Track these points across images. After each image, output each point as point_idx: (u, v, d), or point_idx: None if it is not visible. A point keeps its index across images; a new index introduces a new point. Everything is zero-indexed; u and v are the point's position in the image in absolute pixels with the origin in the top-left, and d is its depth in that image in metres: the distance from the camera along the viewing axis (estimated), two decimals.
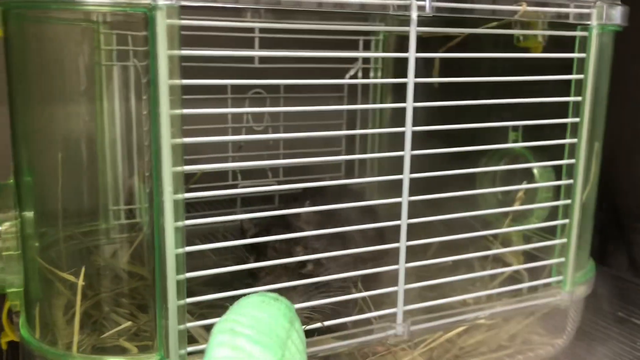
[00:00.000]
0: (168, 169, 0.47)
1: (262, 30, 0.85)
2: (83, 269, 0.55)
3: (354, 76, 0.94)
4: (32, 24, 0.63)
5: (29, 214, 0.59)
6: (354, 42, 0.94)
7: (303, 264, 0.62)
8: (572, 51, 0.63)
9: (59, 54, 0.66)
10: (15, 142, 0.58)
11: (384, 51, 0.96)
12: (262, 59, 0.86)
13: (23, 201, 0.58)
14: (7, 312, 0.65)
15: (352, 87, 0.95)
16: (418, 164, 0.57)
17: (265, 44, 0.87)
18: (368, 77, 0.95)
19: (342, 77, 0.93)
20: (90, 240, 0.70)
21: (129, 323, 0.60)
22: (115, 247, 0.73)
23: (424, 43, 0.78)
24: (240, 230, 0.67)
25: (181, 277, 0.49)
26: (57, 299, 0.61)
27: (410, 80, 0.54)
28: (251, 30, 0.85)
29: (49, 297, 0.61)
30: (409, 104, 0.54)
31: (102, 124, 0.72)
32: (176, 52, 0.46)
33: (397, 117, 0.56)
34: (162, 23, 0.45)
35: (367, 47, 0.95)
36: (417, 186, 0.58)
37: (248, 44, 0.87)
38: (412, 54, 0.54)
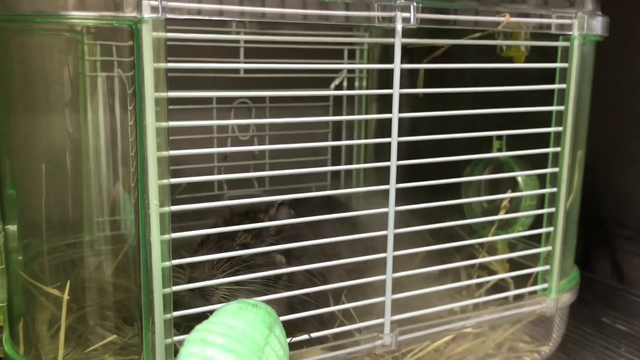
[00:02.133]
0: (154, 182, 0.46)
1: (247, 40, 0.85)
2: (68, 283, 0.54)
3: (339, 85, 0.94)
4: (14, 34, 0.62)
5: (12, 228, 0.58)
6: (338, 52, 0.94)
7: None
8: (555, 61, 0.64)
9: (43, 64, 0.65)
10: None
11: (368, 60, 0.96)
12: (248, 69, 0.87)
13: (6, 214, 0.57)
14: None
15: (338, 96, 0.95)
16: (403, 174, 0.57)
17: (250, 54, 0.87)
18: (353, 86, 0.96)
19: (328, 87, 0.93)
20: (74, 253, 0.69)
21: (113, 337, 0.59)
22: (100, 260, 0.73)
23: (409, 53, 0.79)
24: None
25: (167, 290, 0.49)
26: (41, 313, 0.60)
27: (396, 91, 0.54)
28: (236, 40, 0.85)
29: (32, 311, 0.60)
30: (395, 115, 0.55)
31: (87, 134, 0.72)
32: (162, 64, 0.46)
33: (383, 125, 0.56)
34: (148, 36, 0.44)
35: (351, 57, 0.95)
36: (402, 196, 0.58)
37: (233, 54, 0.87)
38: (397, 65, 0.54)
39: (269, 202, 0.64)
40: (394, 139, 0.55)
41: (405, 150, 0.57)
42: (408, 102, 0.58)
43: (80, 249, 0.73)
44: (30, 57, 0.64)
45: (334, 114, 0.97)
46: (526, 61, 0.70)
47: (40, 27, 0.63)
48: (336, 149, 0.99)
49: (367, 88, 0.96)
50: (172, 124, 0.47)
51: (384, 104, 0.55)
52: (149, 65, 0.45)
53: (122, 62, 0.70)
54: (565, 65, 0.63)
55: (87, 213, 0.75)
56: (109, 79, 0.75)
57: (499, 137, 0.73)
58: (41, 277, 0.61)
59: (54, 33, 0.66)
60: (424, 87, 0.78)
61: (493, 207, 0.80)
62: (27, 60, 0.64)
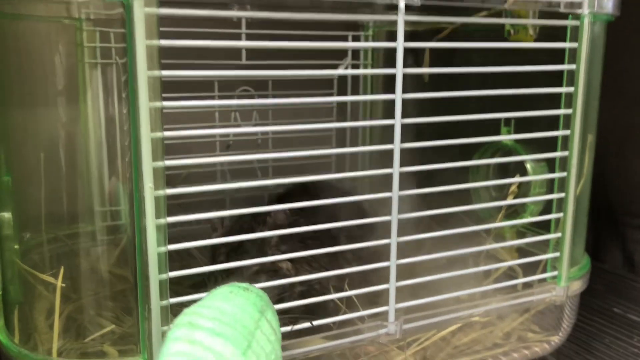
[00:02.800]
0: (148, 164, 0.45)
1: (248, 26, 0.83)
2: (62, 270, 0.53)
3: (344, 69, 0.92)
4: (10, 21, 0.61)
5: (7, 215, 0.57)
6: (342, 38, 0.93)
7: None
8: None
9: (41, 51, 0.64)
10: None
11: (373, 59, 0.94)
12: (250, 55, 0.85)
13: (1, 201, 0.56)
14: None
15: (342, 84, 0.94)
16: (409, 159, 0.55)
17: (252, 39, 0.86)
18: (357, 76, 0.94)
19: (331, 75, 0.92)
20: (72, 243, 0.68)
21: (112, 326, 0.58)
22: (98, 249, 0.71)
23: (414, 37, 0.77)
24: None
25: (164, 276, 0.47)
26: (38, 302, 0.59)
27: (399, 70, 0.52)
28: (238, 25, 0.83)
29: (29, 300, 0.59)
30: (398, 96, 0.53)
31: (86, 121, 0.71)
32: (155, 42, 0.44)
33: (388, 115, 0.54)
34: (140, 12, 0.43)
35: (355, 53, 0.94)
36: (408, 183, 0.56)
37: (235, 39, 0.85)
38: (400, 44, 0.52)
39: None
40: (398, 121, 0.54)
41: (412, 139, 0.55)
42: (414, 89, 0.56)
43: (79, 238, 0.72)
44: (28, 44, 0.63)
45: (338, 105, 0.95)
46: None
47: (37, 14, 0.62)
48: (341, 144, 0.98)
49: (371, 76, 0.94)
50: (166, 104, 0.45)
51: (390, 91, 0.53)
52: (141, 42, 0.43)
53: (119, 49, 0.69)
54: (574, 45, 0.61)
55: (88, 202, 0.73)
56: (107, 67, 0.74)
57: (507, 124, 0.72)
58: (39, 266, 0.60)
59: (52, 20, 0.65)
60: (430, 65, 0.76)
61: (501, 197, 0.78)
62: (25, 47, 0.62)
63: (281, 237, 0.63)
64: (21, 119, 0.63)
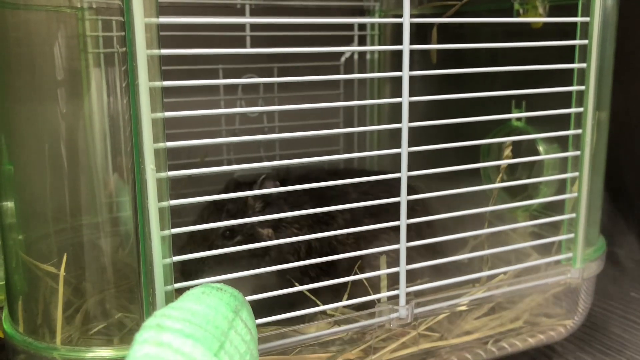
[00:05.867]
0: (149, 145, 0.44)
1: (252, 12, 0.82)
2: (65, 258, 0.52)
3: (350, 58, 0.91)
4: (11, 10, 0.60)
5: (9, 204, 0.56)
6: (348, 26, 0.91)
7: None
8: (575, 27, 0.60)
9: (42, 41, 0.63)
10: None
11: (380, 32, 0.93)
12: (254, 43, 0.84)
13: (1, 191, 0.55)
14: None
15: (349, 63, 0.92)
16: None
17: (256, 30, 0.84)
18: (364, 59, 0.93)
19: (337, 60, 0.90)
20: (77, 231, 0.67)
21: (119, 314, 0.57)
22: (103, 240, 0.71)
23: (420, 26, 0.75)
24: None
25: (168, 260, 0.46)
26: (45, 292, 0.58)
27: (406, 46, 0.51)
28: (241, 12, 0.82)
29: (35, 290, 0.58)
30: (405, 73, 0.51)
31: (90, 111, 0.70)
32: (154, 19, 0.43)
33: (397, 94, 0.53)
34: None
35: (362, 28, 0.92)
36: (418, 165, 0.55)
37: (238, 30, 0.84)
38: (406, 19, 0.51)
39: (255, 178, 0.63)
40: (405, 99, 0.52)
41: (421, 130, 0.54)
42: (421, 64, 0.55)
43: (84, 227, 0.71)
44: (29, 33, 0.62)
45: (345, 86, 0.94)
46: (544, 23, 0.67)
47: (38, 3, 0.61)
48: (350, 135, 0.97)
49: (379, 59, 0.93)
50: (166, 83, 0.44)
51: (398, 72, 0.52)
52: (140, 20, 0.42)
53: (120, 38, 0.68)
54: (587, 19, 0.59)
55: (91, 191, 0.73)
56: (110, 56, 0.73)
57: (518, 106, 0.70)
58: (46, 255, 0.59)
59: (54, 9, 0.64)
60: (438, 49, 0.74)
61: (512, 180, 0.76)
62: (26, 37, 0.62)
63: (266, 203, 0.64)
64: (23, 109, 0.62)
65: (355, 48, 0.59)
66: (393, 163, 0.55)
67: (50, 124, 0.63)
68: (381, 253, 0.56)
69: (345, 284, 0.58)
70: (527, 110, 0.68)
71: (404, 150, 0.53)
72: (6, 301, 0.55)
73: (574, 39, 0.61)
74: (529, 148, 0.72)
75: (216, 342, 0.37)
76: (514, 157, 0.72)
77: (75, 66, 0.69)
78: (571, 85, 0.61)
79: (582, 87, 0.61)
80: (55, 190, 0.63)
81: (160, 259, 0.46)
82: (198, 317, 0.39)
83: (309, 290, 0.54)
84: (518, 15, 0.70)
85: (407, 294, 0.55)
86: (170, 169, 0.46)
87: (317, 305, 0.54)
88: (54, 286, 0.58)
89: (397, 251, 0.54)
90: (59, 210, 0.64)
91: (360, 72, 0.94)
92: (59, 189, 0.63)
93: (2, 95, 0.60)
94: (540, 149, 0.71)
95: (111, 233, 0.67)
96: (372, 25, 0.92)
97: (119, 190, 0.66)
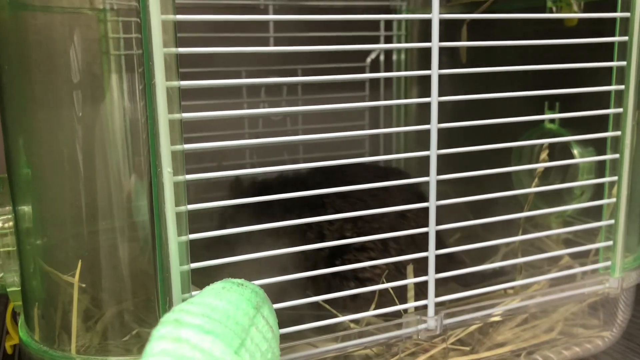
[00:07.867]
0: (166, 147, 0.42)
1: (276, 12, 0.80)
2: (79, 265, 0.50)
3: (376, 59, 0.89)
4: (31, 13, 0.59)
5: (27, 209, 0.55)
6: (374, 24, 0.89)
7: None
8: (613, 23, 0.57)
9: (63, 43, 0.62)
10: (7, 132, 0.54)
11: (407, 32, 0.90)
12: (277, 43, 0.82)
13: (19, 195, 0.54)
14: (11, 314, 0.62)
15: (375, 64, 0.90)
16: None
17: (280, 28, 0.83)
18: (391, 59, 0.90)
19: (364, 60, 0.88)
20: (95, 235, 0.66)
21: (137, 329, 0.55)
22: (121, 246, 0.69)
23: (450, 26, 0.73)
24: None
25: (185, 267, 0.44)
26: (61, 298, 0.57)
27: (435, 44, 0.48)
28: (265, 13, 0.80)
29: (50, 296, 0.57)
30: (434, 71, 0.49)
31: (111, 114, 0.69)
32: (170, 17, 0.41)
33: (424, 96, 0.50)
34: None
35: (388, 28, 0.90)
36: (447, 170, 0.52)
37: (263, 28, 0.82)
38: (435, 15, 0.48)
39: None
40: (434, 99, 0.50)
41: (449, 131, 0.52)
42: (449, 66, 0.52)
43: (101, 234, 0.69)
44: (50, 35, 0.61)
45: (371, 88, 0.91)
46: (579, 21, 0.64)
47: (60, 5, 0.60)
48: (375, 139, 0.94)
49: (406, 60, 0.90)
50: (183, 83, 0.42)
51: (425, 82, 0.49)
52: (156, 17, 0.40)
53: (139, 40, 0.67)
54: (627, 14, 0.56)
55: (111, 196, 0.71)
56: (130, 58, 0.72)
57: (551, 107, 0.67)
58: (64, 261, 0.57)
59: (75, 11, 0.63)
60: (467, 47, 0.71)
61: (545, 185, 0.73)
62: (46, 40, 0.61)
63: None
64: (42, 112, 0.61)
65: (383, 46, 0.56)
66: (420, 165, 0.52)
67: (68, 128, 0.62)
68: (408, 262, 0.53)
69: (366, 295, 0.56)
70: (560, 111, 0.66)
71: (433, 152, 0.50)
72: (22, 307, 0.54)
73: (615, 26, 0.57)
74: (562, 152, 0.69)
75: (237, 338, 0.35)
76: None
77: (95, 69, 0.68)
78: (606, 85, 0.58)
79: (622, 87, 0.57)
80: (74, 194, 0.62)
81: (178, 266, 0.44)
82: (217, 312, 0.37)
83: (336, 301, 0.52)
84: (550, 12, 0.67)
85: (436, 304, 0.53)
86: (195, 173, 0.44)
87: (341, 315, 0.52)
88: (71, 293, 0.57)
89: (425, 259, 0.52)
90: (77, 215, 0.63)
91: (387, 80, 0.92)
92: (77, 192, 0.62)
93: (21, 99, 0.59)
94: (575, 152, 0.68)
95: (130, 238, 0.65)
96: (399, 24, 0.90)
97: (138, 194, 0.65)
